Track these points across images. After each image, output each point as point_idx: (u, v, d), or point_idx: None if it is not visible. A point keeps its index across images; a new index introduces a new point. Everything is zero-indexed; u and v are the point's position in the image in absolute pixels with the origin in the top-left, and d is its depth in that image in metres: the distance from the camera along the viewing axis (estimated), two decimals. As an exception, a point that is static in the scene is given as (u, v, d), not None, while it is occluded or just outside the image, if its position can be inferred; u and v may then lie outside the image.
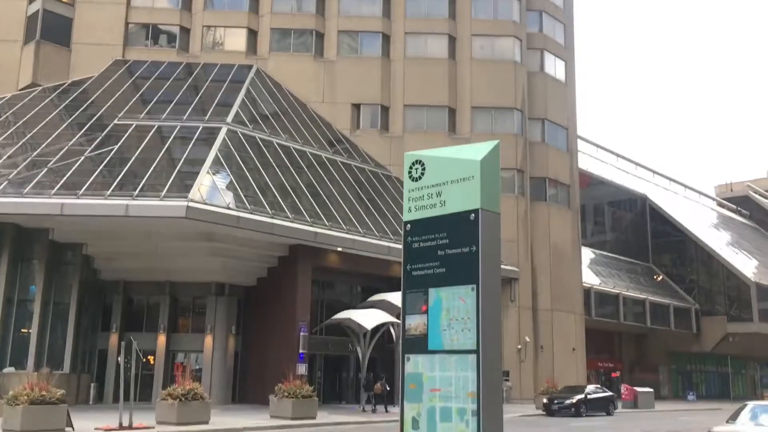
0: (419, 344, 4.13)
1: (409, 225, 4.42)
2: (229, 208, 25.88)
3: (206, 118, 31.16)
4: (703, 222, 71.35)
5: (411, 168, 4.53)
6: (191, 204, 24.39)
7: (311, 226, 28.52)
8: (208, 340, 30.41)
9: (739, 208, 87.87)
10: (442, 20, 41.91)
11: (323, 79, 39.91)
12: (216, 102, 33.29)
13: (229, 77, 36.49)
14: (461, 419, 3.87)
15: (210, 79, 36.50)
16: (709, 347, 59.73)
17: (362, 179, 35.27)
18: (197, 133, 29.89)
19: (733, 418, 11.39)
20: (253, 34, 40.71)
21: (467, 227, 4.05)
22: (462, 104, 41.56)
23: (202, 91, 35.12)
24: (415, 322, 4.20)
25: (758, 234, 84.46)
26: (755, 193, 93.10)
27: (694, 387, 61.77)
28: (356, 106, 40.22)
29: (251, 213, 26.50)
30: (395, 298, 31.20)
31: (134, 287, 31.24)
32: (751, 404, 11.93)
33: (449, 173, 4.24)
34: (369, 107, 40.33)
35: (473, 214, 4.06)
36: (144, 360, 27.50)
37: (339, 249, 29.95)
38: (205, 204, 25.11)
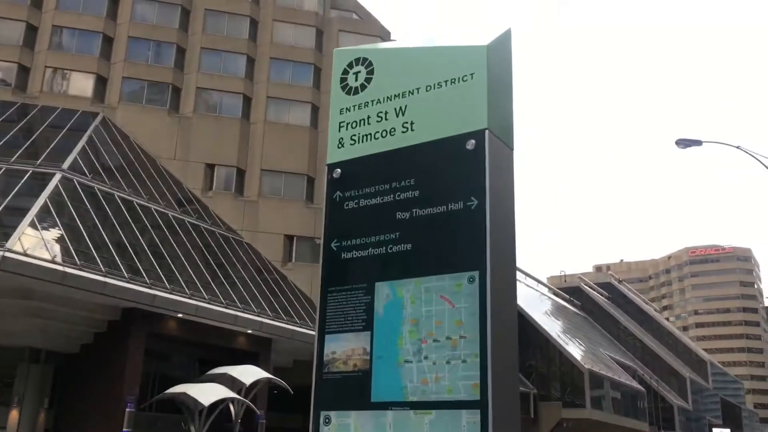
0: (354, 391, 2.14)
1: (338, 169, 2.53)
2: (54, 262, 22.75)
3: (38, 162, 27.91)
4: (541, 309, 74.47)
5: (347, 72, 2.58)
6: (8, 254, 21.14)
7: (150, 288, 25.79)
8: (14, 414, 26.16)
9: (571, 298, 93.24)
10: (305, 88, 41.25)
11: (177, 135, 37.67)
12: (51, 147, 29.99)
13: (70, 123, 33.23)
14: None
15: (48, 123, 33.04)
16: (546, 432, 61.09)
17: (211, 242, 32.97)
18: (25, 178, 26.60)
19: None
20: (102, 81, 37.91)
21: (461, 165, 2.16)
22: (321, 173, 40.86)
23: (36, 134, 31.75)
24: (343, 348, 2.17)
25: (588, 323, 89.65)
26: (586, 285, 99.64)
27: (528, 472, 62.57)
28: (210, 167, 38.16)
29: (81, 269, 23.47)
30: (238, 372, 28.74)
31: (-74, 350, 26.62)
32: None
33: (424, 73, 2.30)
34: (224, 168, 38.41)
35: (473, 140, 2.18)
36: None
37: (180, 315, 27.28)
38: (26, 255, 21.89)
